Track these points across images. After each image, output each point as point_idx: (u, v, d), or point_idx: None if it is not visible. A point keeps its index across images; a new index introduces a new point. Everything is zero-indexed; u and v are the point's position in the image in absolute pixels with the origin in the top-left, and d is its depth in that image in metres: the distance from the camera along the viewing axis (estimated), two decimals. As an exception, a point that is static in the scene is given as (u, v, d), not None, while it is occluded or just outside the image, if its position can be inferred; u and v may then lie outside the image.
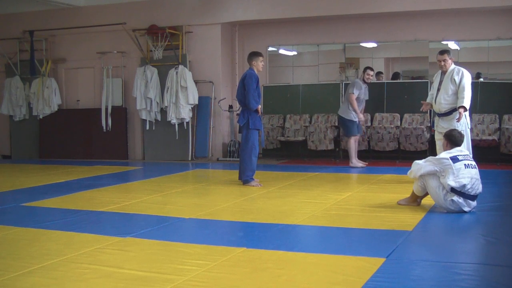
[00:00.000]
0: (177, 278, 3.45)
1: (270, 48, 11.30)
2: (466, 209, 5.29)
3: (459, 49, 10.23)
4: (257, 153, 7.41)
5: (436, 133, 7.16)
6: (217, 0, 10.85)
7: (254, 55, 7.40)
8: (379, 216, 5.18)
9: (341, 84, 10.56)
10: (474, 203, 5.38)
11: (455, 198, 5.26)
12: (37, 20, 11.90)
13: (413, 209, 5.50)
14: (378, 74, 10.83)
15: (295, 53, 11.53)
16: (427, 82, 9.99)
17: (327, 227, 4.90)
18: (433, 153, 9.68)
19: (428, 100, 7.32)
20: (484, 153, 9.22)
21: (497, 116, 9.45)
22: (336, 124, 10.19)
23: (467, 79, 6.87)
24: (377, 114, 10.15)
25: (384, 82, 10.43)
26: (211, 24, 10.89)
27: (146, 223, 5.11)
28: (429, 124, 9.72)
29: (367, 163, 9.24)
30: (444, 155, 5.38)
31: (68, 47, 11.96)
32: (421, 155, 9.60)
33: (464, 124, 6.80)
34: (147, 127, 11.11)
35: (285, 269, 3.65)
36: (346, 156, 9.82)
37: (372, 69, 9.48)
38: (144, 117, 11.08)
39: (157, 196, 6.60)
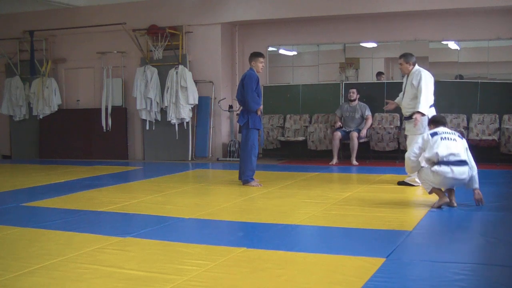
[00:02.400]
0: (177, 278, 3.45)
1: (270, 48, 11.30)
2: (450, 175, 5.31)
3: (459, 49, 10.23)
4: (257, 153, 7.41)
5: (405, 134, 7.19)
6: (217, 0, 10.85)
7: (254, 55, 7.40)
8: (379, 216, 5.18)
9: (341, 84, 10.56)
10: (463, 169, 5.35)
11: (435, 168, 5.35)
12: (37, 20, 11.90)
13: (413, 209, 5.51)
14: (379, 74, 10.84)
15: (295, 53, 11.53)
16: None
17: (327, 227, 4.90)
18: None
19: (396, 100, 7.34)
20: (484, 153, 9.22)
21: (497, 116, 9.45)
22: (333, 123, 10.25)
23: (424, 81, 6.73)
24: (377, 114, 10.15)
25: (384, 82, 10.42)
26: (211, 24, 10.89)
27: (146, 223, 5.11)
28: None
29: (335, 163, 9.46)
30: (424, 133, 5.68)
31: (68, 47, 11.96)
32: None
33: (422, 126, 6.69)
34: (147, 127, 11.11)
35: (285, 269, 3.64)
36: (346, 156, 9.83)
37: (353, 88, 9.98)
38: (144, 117, 11.08)
39: (157, 196, 6.60)
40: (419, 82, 6.76)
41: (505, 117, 9.37)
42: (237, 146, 10.60)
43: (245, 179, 7.29)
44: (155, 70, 10.95)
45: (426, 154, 5.48)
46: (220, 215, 5.55)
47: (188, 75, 10.71)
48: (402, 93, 7.15)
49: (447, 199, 5.51)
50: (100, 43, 11.56)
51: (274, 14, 10.58)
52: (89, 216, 5.52)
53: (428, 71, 7.00)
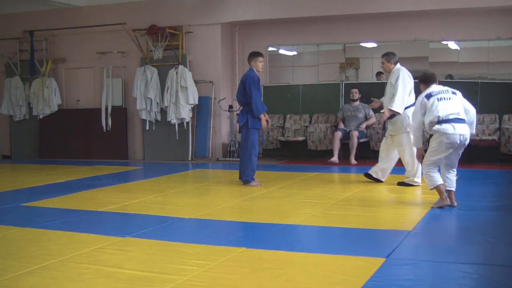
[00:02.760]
0: (177, 278, 3.45)
1: (270, 48, 11.30)
2: (451, 131, 5.28)
3: (459, 49, 10.23)
4: (257, 153, 7.40)
5: (386, 134, 7.19)
6: (217, 0, 10.85)
7: (253, 55, 7.38)
8: (379, 216, 5.19)
9: (341, 84, 10.56)
10: (464, 125, 5.36)
11: (436, 127, 5.33)
12: (37, 20, 11.90)
13: (413, 209, 5.50)
14: (379, 74, 10.83)
15: (295, 53, 11.52)
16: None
17: (327, 227, 4.90)
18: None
19: (382, 99, 7.37)
20: (484, 153, 9.24)
21: (497, 116, 9.45)
22: (336, 124, 10.24)
23: (402, 79, 6.74)
24: (377, 114, 10.14)
25: (384, 82, 10.40)
26: (211, 24, 10.89)
27: (146, 223, 5.11)
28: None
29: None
30: (423, 93, 5.55)
31: (68, 47, 11.96)
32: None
33: (403, 126, 6.77)
34: (147, 127, 11.11)
35: (285, 269, 3.64)
36: (345, 156, 9.83)
37: (354, 88, 10.04)
38: (144, 117, 11.08)
39: (157, 196, 6.60)
40: (396, 80, 6.76)
41: (505, 117, 9.37)
42: (237, 146, 10.60)
43: (245, 179, 7.28)
44: (155, 70, 10.95)
45: (427, 119, 5.42)
46: (220, 215, 5.55)
47: (188, 75, 10.71)
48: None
49: (448, 202, 5.49)
50: (100, 43, 11.56)
51: (274, 14, 10.58)
52: (89, 216, 5.52)
53: (409, 70, 7.02)
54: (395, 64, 7.00)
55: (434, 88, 5.60)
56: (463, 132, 5.36)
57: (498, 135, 9.22)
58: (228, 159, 10.74)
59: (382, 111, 6.94)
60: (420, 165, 6.17)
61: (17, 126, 12.22)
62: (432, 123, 5.41)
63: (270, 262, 3.80)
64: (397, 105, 6.67)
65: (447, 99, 5.42)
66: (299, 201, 6.15)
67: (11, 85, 11.93)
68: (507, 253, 4.03)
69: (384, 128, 7.27)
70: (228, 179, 8.03)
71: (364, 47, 10.94)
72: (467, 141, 5.45)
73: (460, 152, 5.53)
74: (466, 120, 5.46)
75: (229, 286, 3.35)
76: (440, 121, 5.35)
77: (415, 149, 5.97)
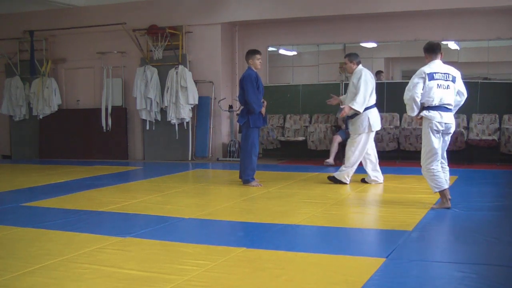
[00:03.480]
0: (177, 278, 3.45)
1: (270, 48, 11.30)
2: (438, 119, 5.42)
3: (459, 49, 10.23)
4: (257, 152, 7.40)
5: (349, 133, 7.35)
6: (217, 0, 10.85)
7: (250, 53, 7.40)
8: (379, 216, 5.19)
9: (341, 84, 10.56)
10: (451, 114, 5.52)
11: (424, 112, 5.47)
12: (37, 20, 11.89)
13: (413, 209, 5.50)
14: (378, 73, 10.83)
15: (295, 53, 11.52)
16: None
17: (327, 227, 4.90)
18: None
19: (341, 98, 7.51)
20: (484, 153, 9.24)
21: (497, 116, 9.45)
22: (336, 124, 10.24)
23: (364, 79, 6.91)
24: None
25: (384, 82, 10.42)
26: (211, 24, 10.89)
27: (146, 223, 5.11)
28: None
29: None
30: (424, 68, 5.59)
31: (68, 47, 11.96)
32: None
33: (362, 127, 6.94)
34: (147, 127, 11.11)
35: (285, 269, 3.65)
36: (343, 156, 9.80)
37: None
38: (144, 117, 11.08)
39: (157, 196, 6.60)
40: (358, 80, 6.94)
41: (505, 117, 9.37)
42: (237, 146, 10.60)
43: (245, 178, 7.28)
44: (155, 70, 10.95)
45: (422, 99, 5.53)
46: (220, 215, 5.55)
47: (188, 75, 10.71)
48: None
49: (449, 205, 5.49)
50: (100, 43, 11.56)
51: (274, 14, 10.57)
52: (89, 216, 5.52)
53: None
54: (357, 64, 7.19)
55: (438, 67, 5.62)
56: (449, 121, 5.52)
57: (498, 135, 9.22)
58: (228, 159, 10.74)
59: (342, 106, 7.10)
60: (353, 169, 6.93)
61: (17, 126, 12.22)
62: (421, 104, 5.53)
63: (270, 262, 3.80)
64: (359, 104, 6.85)
65: (445, 87, 5.52)
66: (299, 201, 6.15)
67: (11, 85, 11.93)
68: (507, 253, 4.03)
69: (347, 126, 7.43)
70: (228, 179, 8.03)
71: (364, 47, 10.94)
72: (452, 130, 5.60)
73: (447, 140, 5.63)
74: (455, 103, 5.62)
75: (229, 286, 3.35)
76: (429, 107, 5.49)
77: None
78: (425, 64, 5.74)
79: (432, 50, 5.71)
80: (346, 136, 9.70)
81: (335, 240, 4.49)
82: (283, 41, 11.19)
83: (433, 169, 5.50)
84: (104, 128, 11.39)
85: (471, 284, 3.31)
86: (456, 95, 5.63)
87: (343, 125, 9.94)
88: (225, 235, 4.82)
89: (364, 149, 7.06)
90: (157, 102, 10.93)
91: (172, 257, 3.93)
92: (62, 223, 5.17)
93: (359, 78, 6.93)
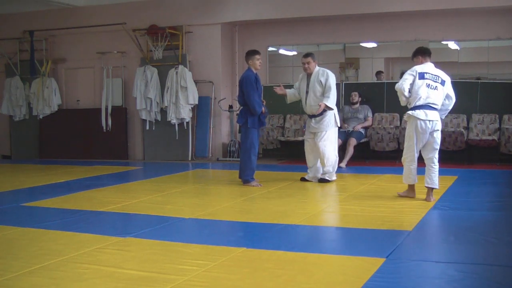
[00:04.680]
0: (177, 278, 3.45)
1: (270, 48, 11.30)
2: (423, 117, 5.75)
3: (459, 49, 10.23)
4: (256, 152, 7.41)
5: (306, 132, 7.62)
6: (217, 0, 10.85)
7: (250, 53, 7.42)
8: (379, 216, 5.19)
9: (341, 84, 10.55)
10: (436, 113, 5.82)
11: (410, 112, 5.83)
12: (37, 20, 11.89)
13: (413, 209, 5.50)
14: (378, 73, 10.84)
15: (295, 53, 11.51)
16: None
17: (327, 227, 4.91)
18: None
19: (290, 95, 7.75)
20: (484, 153, 9.24)
21: (497, 116, 9.45)
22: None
23: (332, 79, 7.27)
24: (376, 114, 10.15)
25: (384, 82, 10.42)
26: (211, 24, 10.88)
27: (146, 223, 5.11)
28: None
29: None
30: (417, 67, 5.90)
31: (68, 47, 11.95)
32: (421, 155, 9.62)
33: (331, 123, 7.30)
34: (147, 127, 11.11)
35: (285, 269, 3.64)
36: (341, 156, 9.77)
37: (355, 91, 10.08)
38: (144, 117, 11.08)
39: (157, 196, 6.60)
40: (326, 79, 7.26)
41: (505, 117, 9.37)
42: (237, 146, 10.60)
43: (245, 178, 7.29)
44: (155, 70, 10.95)
45: (411, 96, 5.85)
46: (220, 215, 5.55)
47: (188, 75, 10.71)
48: (304, 93, 7.51)
49: (414, 195, 5.99)
50: (100, 43, 11.56)
51: (274, 14, 10.57)
52: (89, 216, 5.52)
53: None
54: (316, 64, 7.52)
55: (430, 68, 5.91)
56: (433, 118, 5.81)
57: (498, 135, 9.22)
58: (228, 159, 10.73)
59: (319, 104, 7.23)
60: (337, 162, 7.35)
61: (17, 126, 12.21)
62: (408, 100, 5.88)
63: (270, 262, 3.80)
64: (332, 102, 7.22)
65: (433, 88, 5.82)
66: (299, 201, 6.15)
67: (11, 85, 11.93)
68: (507, 253, 4.03)
69: (305, 126, 7.66)
70: (228, 179, 8.03)
71: (364, 47, 10.94)
72: (437, 127, 5.86)
73: (435, 137, 5.88)
74: (443, 106, 5.95)
75: (229, 286, 3.36)
76: (415, 107, 5.81)
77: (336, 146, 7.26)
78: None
79: (425, 52, 6.05)
80: (347, 137, 9.71)
81: (335, 240, 4.50)
82: (283, 41, 11.18)
83: (409, 163, 5.97)
84: (104, 128, 11.38)
85: (471, 284, 3.32)
86: (445, 99, 5.93)
87: (344, 125, 9.94)
88: (225, 235, 4.81)
89: (336, 142, 7.48)
90: (157, 102, 10.93)
91: (172, 257, 3.93)
92: (62, 223, 5.17)
93: (327, 78, 7.26)
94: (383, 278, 3.39)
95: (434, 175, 5.85)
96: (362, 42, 10.84)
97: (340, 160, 9.62)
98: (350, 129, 9.75)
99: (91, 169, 9.60)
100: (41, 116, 11.84)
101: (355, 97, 10.00)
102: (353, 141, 9.53)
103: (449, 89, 5.93)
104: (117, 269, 3.68)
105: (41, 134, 12.07)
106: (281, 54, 11.55)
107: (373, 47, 10.91)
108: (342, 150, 9.83)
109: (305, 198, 6.25)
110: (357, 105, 10.00)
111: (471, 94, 9.73)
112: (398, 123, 9.95)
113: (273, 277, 3.48)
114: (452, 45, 10.26)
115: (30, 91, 11.86)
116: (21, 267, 3.74)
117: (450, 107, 6.04)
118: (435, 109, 5.84)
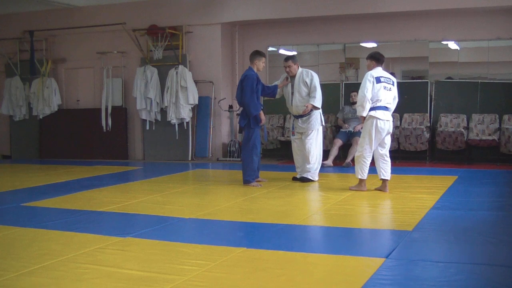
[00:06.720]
0: (177, 278, 3.45)
1: (270, 48, 11.30)
2: (382, 117, 6.32)
3: (459, 49, 10.23)
4: (258, 153, 7.40)
5: (295, 133, 7.67)
6: (217, 0, 10.85)
7: (258, 54, 7.41)
8: (379, 216, 5.19)
9: (341, 84, 10.56)
10: (389, 113, 6.45)
11: (372, 112, 6.31)
12: (37, 20, 11.90)
13: (413, 209, 5.50)
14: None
15: (295, 53, 11.49)
16: (427, 82, 10.01)
17: (327, 227, 4.91)
18: (433, 153, 9.73)
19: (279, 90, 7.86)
20: (484, 153, 9.25)
21: (497, 116, 9.45)
22: (336, 124, 10.23)
23: (316, 79, 7.48)
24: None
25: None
26: (211, 24, 10.89)
27: (146, 223, 5.11)
28: (428, 124, 9.73)
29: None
30: (372, 72, 6.39)
31: (68, 47, 11.96)
32: (421, 155, 9.64)
33: (317, 122, 7.47)
34: (147, 127, 11.12)
35: (285, 269, 3.65)
36: (346, 156, 9.81)
37: (354, 91, 9.92)
38: (144, 117, 11.08)
39: (157, 196, 6.60)
40: (311, 80, 7.44)
41: (505, 117, 9.37)
42: (237, 146, 10.60)
43: (246, 179, 7.28)
44: (155, 70, 10.95)
45: (368, 93, 6.30)
46: (220, 215, 5.55)
47: (188, 75, 10.71)
48: (289, 94, 7.59)
49: (365, 189, 6.53)
50: (100, 43, 11.56)
51: (274, 14, 10.58)
52: (89, 216, 5.52)
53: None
54: (298, 66, 7.65)
55: (382, 72, 6.48)
56: (388, 118, 6.44)
57: (498, 135, 9.22)
58: (228, 159, 10.74)
59: (306, 105, 7.39)
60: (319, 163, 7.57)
61: (17, 126, 12.22)
62: (369, 103, 6.32)
63: (270, 262, 3.80)
64: (318, 101, 7.39)
65: (388, 89, 6.41)
66: (299, 201, 6.15)
67: (11, 85, 11.93)
68: (507, 253, 4.03)
69: (293, 127, 7.68)
70: (228, 179, 8.03)
71: (364, 47, 10.93)
72: (391, 128, 6.50)
73: (388, 137, 6.49)
74: (391, 106, 6.54)
75: (229, 286, 3.36)
76: (375, 107, 6.32)
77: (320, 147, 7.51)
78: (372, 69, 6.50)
79: (378, 59, 6.52)
80: (347, 138, 9.71)
81: (335, 240, 4.49)
82: (283, 41, 11.19)
83: (365, 159, 6.45)
84: (104, 128, 11.38)
85: (471, 284, 3.32)
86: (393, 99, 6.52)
87: (345, 125, 9.94)
88: (225, 235, 4.81)
89: (321, 142, 7.64)
90: (157, 102, 10.93)
91: (172, 257, 3.93)
92: (62, 223, 5.17)
93: (312, 79, 7.43)
94: (383, 278, 3.39)
95: (388, 168, 6.49)
96: (362, 42, 10.83)
97: (341, 160, 9.69)
98: (351, 129, 9.73)
99: (91, 169, 9.60)
100: (41, 116, 11.84)
101: (355, 97, 9.98)
102: (358, 140, 9.52)
103: (395, 90, 6.54)
104: (117, 269, 3.68)
105: (41, 134, 12.07)
106: (281, 54, 11.52)
107: (373, 47, 10.89)
108: (342, 150, 9.87)
109: (305, 198, 6.25)
110: None
111: (471, 94, 9.74)
112: (398, 123, 9.95)
113: (273, 277, 3.48)
114: (452, 45, 10.26)
115: (30, 91, 11.86)
116: (21, 267, 3.75)
117: (395, 106, 6.62)
118: (388, 109, 6.44)
